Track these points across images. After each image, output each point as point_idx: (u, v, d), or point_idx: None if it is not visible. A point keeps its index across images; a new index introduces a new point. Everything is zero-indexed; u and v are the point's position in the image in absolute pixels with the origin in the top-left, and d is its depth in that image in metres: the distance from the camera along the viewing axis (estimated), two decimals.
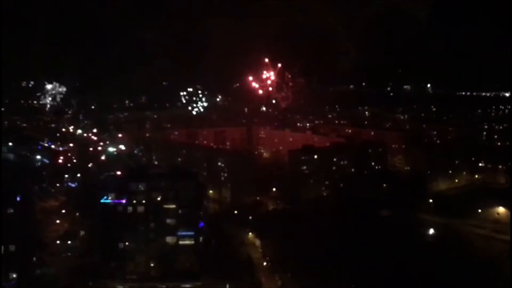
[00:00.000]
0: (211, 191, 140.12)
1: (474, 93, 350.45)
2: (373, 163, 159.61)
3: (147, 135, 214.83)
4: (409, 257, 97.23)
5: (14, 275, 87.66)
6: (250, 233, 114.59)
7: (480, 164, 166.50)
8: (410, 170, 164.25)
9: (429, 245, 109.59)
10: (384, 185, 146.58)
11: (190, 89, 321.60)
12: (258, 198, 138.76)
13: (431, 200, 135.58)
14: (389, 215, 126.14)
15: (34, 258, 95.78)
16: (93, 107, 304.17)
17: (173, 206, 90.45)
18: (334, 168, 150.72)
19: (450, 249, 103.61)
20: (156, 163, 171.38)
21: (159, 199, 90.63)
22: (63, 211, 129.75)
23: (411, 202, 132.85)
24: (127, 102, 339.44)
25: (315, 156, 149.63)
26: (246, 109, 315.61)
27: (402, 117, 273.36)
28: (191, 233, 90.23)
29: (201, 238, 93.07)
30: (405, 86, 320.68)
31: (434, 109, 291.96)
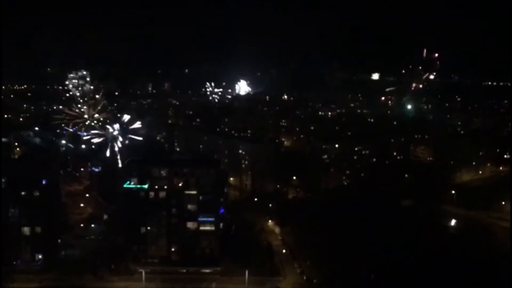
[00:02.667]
0: (232, 178, 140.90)
1: (501, 83, 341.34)
2: (395, 153, 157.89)
3: (170, 121, 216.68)
4: (430, 248, 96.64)
5: (40, 256, 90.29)
6: (270, 221, 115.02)
7: (505, 156, 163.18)
8: (433, 161, 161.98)
9: (451, 236, 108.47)
10: (406, 175, 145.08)
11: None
12: (278, 186, 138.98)
13: (454, 191, 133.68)
14: (411, 206, 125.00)
15: (59, 240, 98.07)
16: (116, 93, 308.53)
17: (194, 192, 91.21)
18: (355, 157, 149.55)
19: (472, 241, 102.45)
20: (178, 149, 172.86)
21: (180, 185, 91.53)
22: (87, 195, 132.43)
23: (433, 193, 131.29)
24: (150, 89, 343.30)
25: (337, 145, 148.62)
26: (268, 98, 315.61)
27: (426, 107, 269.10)
28: (212, 219, 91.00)
29: (221, 224, 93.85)
30: (430, 76, 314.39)
31: (458, 99, 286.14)
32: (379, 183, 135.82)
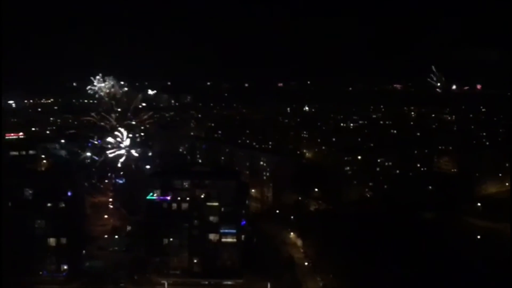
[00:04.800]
0: (253, 190, 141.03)
1: None
2: (418, 165, 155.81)
3: (192, 133, 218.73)
4: (455, 261, 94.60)
5: (65, 267, 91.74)
6: (292, 233, 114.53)
7: None
8: (457, 172, 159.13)
9: (476, 250, 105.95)
10: (430, 187, 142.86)
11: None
12: (300, 198, 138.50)
13: (479, 204, 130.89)
14: (435, 218, 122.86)
15: (83, 251, 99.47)
16: (140, 106, 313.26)
17: (216, 203, 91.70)
18: (378, 169, 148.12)
19: (498, 255, 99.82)
20: (200, 161, 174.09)
21: (202, 196, 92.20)
22: (111, 206, 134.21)
23: (458, 205, 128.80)
24: (172, 101, 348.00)
25: (359, 157, 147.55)
26: (289, 109, 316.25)
27: (449, 118, 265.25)
28: (233, 231, 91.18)
29: (243, 236, 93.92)
30: (453, 86, 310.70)
31: (483, 109, 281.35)
32: (402, 195, 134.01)
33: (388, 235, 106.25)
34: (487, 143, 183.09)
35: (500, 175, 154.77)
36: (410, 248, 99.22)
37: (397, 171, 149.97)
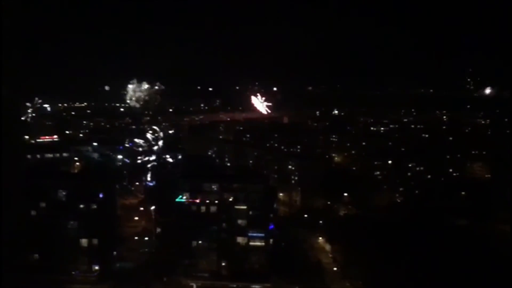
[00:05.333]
0: (281, 194, 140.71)
1: None
2: (450, 170, 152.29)
3: (220, 137, 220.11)
4: (487, 270, 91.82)
5: (97, 267, 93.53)
6: (320, 238, 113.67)
7: None
8: (491, 179, 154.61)
9: (510, 259, 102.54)
10: (463, 193, 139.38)
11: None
12: (328, 202, 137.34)
13: None
14: (467, 225, 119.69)
15: (114, 252, 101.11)
16: (170, 110, 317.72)
17: (244, 207, 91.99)
18: (409, 174, 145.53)
19: None
20: (228, 164, 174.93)
21: (230, 199, 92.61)
22: (141, 208, 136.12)
23: (492, 213, 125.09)
24: (202, 105, 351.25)
25: (389, 162, 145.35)
26: (318, 113, 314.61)
27: (483, 122, 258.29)
28: (261, 234, 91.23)
29: (271, 240, 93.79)
30: (487, 90, 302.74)
31: None
32: (433, 201, 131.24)
33: (419, 241, 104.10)
34: None
35: None
36: (441, 256, 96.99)
37: (429, 177, 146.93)
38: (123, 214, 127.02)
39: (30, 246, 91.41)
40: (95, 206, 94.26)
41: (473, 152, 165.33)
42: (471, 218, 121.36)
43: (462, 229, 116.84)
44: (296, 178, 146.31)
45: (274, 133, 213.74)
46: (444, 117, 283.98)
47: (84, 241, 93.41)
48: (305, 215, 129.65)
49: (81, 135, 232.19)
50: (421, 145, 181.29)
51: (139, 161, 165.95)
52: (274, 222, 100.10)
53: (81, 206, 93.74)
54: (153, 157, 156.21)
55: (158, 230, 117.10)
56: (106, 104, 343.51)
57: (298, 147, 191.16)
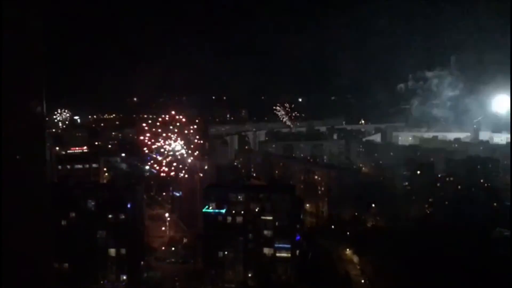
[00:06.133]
0: (307, 205, 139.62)
1: None
2: (482, 180, 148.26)
3: (246, 147, 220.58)
4: None
5: (125, 277, 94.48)
6: (348, 249, 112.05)
7: None
8: None
9: None
10: (495, 204, 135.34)
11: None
12: (356, 213, 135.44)
13: None
14: (501, 237, 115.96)
15: (142, 262, 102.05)
16: (197, 120, 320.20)
17: (270, 217, 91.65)
18: (438, 184, 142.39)
19: None
20: (254, 174, 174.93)
21: (257, 210, 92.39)
22: (168, 218, 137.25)
23: None
24: (228, 115, 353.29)
25: (418, 171, 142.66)
26: (344, 122, 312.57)
27: None
28: (288, 245, 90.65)
29: (297, 251, 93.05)
30: None
31: None
32: (465, 211, 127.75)
33: (451, 254, 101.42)
34: None
35: None
36: (475, 269, 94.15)
37: (459, 187, 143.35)
38: (151, 224, 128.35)
39: (60, 256, 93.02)
40: (123, 216, 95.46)
41: (505, 162, 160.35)
42: (506, 230, 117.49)
43: (497, 241, 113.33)
44: (322, 188, 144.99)
45: (299, 143, 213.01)
46: (474, 126, 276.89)
47: (112, 251, 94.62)
48: (332, 226, 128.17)
49: (110, 146, 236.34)
50: (451, 154, 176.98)
51: (165, 172, 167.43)
52: (301, 233, 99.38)
53: (110, 216, 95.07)
54: (179, 167, 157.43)
55: (185, 240, 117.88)
56: (135, 115, 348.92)
57: (325, 157, 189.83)
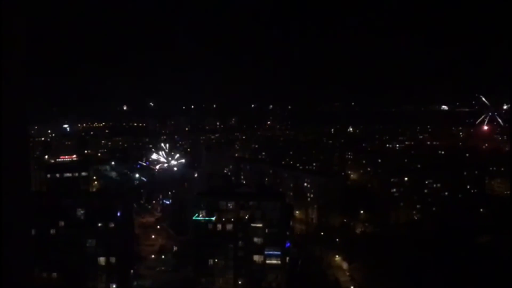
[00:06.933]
0: (297, 212, 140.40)
1: None
2: (468, 187, 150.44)
3: (236, 155, 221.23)
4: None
5: (114, 286, 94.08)
6: (337, 256, 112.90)
7: None
8: (511, 195, 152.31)
9: None
10: (481, 210, 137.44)
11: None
12: (345, 220, 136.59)
13: None
14: (487, 242, 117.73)
15: (132, 271, 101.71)
16: (186, 128, 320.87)
17: (261, 225, 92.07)
18: (426, 191, 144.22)
19: None
20: (244, 182, 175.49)
21: (247, 217, 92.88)
22: (158, 227, 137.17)
23: (511, 229, 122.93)
24: (218, 123, 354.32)
25: (406, 178, 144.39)
26: (333, 130, 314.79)
27: (500, 138, 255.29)
28: (278, 252, 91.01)
29: (287, 258, 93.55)
30: (504, 105, 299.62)
31: None
32: (452, 218, 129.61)
33: (439, 259, 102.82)
34: None
35: None
36: (464, 273, 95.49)
37: (446, 193, 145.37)
38: (141, 233, 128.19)
39: (48, 265, 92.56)
40: (113, 225, 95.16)
41: (491, 168, 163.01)
42: (493, 235, 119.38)
43: (484, 246, 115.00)
44: (312, 195, 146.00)
45: (290, 151, 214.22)
46: (461, 133, 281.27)
47: (102, 260, 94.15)
48: (322, 233, 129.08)
49: (99, 154, 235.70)
50: (438, 161, 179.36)
51: (156, 180, 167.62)
52: (291, 240, 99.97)
53: (99, 224, 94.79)
54: (169, 176, 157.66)
55: (175, 248, 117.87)
56: (124, 124, 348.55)
57: (314, 164, 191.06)
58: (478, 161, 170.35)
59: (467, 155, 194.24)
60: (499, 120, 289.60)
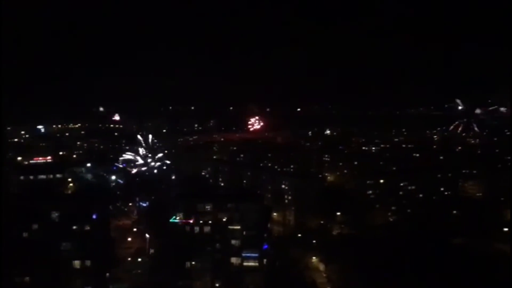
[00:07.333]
0: (275, 214, 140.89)
1: None
2: (442, 189, 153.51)
3: (214, 157, 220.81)
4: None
5: None
6: (314, 257, 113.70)
7: None
8: (483, 197, 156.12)
9: (504, 276, 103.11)
10: (455, 211, 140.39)
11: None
12: (322, 222, 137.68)
13: (506, 229, 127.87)
14: (461, 244, 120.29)
15: (108, 274, 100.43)
16: (164, 130, 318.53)
17: (238, 227, 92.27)
18: (401, 193, 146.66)
19: None
20: (222, 184, 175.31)
21: (224, 220, 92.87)
22: (135, 229, 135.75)
23: (484, 231, 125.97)
24: (196, 125, 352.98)
25: (381, 181, 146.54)
26: (310, 133, 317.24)
27: (473, 141, 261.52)
28: (256, 254, 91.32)
29: (265, 260, 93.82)
30: (477, 110, 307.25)
31: (508, 132, 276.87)
32: (427, 220, 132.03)
33: (414, 260, 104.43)
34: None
35: None
36: (439, 275, 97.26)
37: (421, 195, 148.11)
38: (117, 235, 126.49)
39: (22, 268, 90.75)
40: (88, 228, 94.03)
41: (464, 171, 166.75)
42: (467, 237, 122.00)
43: (457, 248, 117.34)
44: (290, 197, 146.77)
45: (268, 153, 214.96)
46: (435, 136, 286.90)
47: (77, 263, 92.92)
48: (299, 235, 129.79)
49: (75, 156, 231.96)
50: (412, 164, 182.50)
51: (133, 182, 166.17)
52: (268, 242, 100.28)
53: (74, 227, 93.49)
54: (147, 178, 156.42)
55: (152, 251, 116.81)
56: (100, 125, 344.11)
57: (292, 166, 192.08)
58: (452, 163, 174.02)
59: (441, 157, 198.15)
60: (473, 124, 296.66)
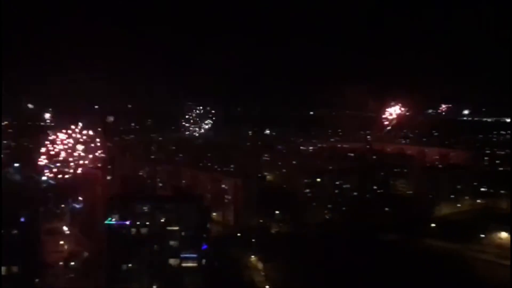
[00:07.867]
0: (214, 213, 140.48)
1: (476, 119, 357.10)
2: (375, 187, 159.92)
3: (152, 157, 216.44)
4: (412, 282, 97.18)
5: None
6: (253, 256, 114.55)
7: (482, 189, 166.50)
8: (412, 194, 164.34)
9: (432, 269, 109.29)
10: (387, 208, 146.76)
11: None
12: (261, 220, 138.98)
13: (433, 225, 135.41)
14: (392, 240, 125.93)
15: (37, 280, 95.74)
16: (99, 129, 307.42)
17: (176, 228, 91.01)
18: (336, 191, 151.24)
19: (452, 274, 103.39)
20: (160, 185, 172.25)
21: (162, 221, 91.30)
22: (67, 232, 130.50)
23: (413, 227, 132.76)
24: (133, 124, 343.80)
25: (318, 179, 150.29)
26: (250, 133, 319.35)
27: (404, 141, 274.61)
28: (194, 255, 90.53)
29: (204, 261, 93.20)
30: (407, 112, 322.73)
31: (436, 133, 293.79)
32: (361, 217, 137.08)
33: (350, 257, 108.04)
34: (440, 166, 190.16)
35: (452, 196, 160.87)
36: (375, 271, 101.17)
37: (355, 193, 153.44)
38: (47, 239, 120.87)
39: None
40: (15, 231, 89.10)
41: (395, 169, 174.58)
42: (398, 233, 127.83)
43: (388, 244, 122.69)
44: (229, 197, 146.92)
45: (208, 153, 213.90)
46: (368, 137, 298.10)
47: (3, 269, 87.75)
48: (239, 234, 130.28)
49: (2, 155, 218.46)
50: (348, 163, 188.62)
51: (65, 183, 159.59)
52: (208, 242, 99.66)
53: (0, 231, 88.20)
54: (80, 178, 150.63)
55: (86, 254, 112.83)
56: (30, 123, 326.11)
57: (231, 166, 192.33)
58: (384, 163, 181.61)
59: (374, 157, 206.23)
60: (406, 125, 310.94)
